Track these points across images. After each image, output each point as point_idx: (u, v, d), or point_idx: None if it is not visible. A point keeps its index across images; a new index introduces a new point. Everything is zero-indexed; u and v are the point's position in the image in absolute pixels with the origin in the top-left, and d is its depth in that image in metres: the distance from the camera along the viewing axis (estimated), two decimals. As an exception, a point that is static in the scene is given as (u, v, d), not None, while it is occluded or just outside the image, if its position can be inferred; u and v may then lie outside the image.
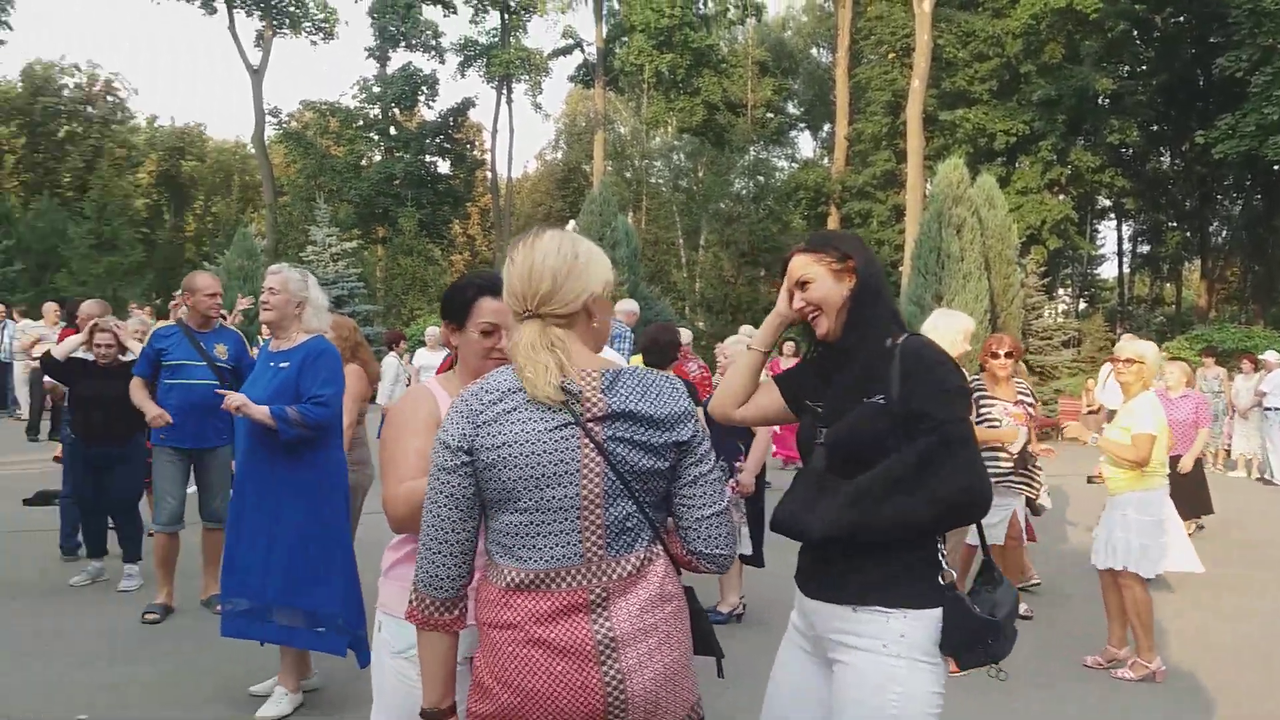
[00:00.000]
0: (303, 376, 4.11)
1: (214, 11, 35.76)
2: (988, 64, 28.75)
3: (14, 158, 41.11)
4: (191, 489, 5.71)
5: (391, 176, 35.80)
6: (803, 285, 2.31)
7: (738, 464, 5.59)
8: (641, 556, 1.84)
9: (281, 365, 4.17)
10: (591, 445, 1.80)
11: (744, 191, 38.01)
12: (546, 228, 1.95)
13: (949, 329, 5.23)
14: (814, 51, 43.21)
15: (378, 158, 38.04)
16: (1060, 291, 32.25)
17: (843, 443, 2.16)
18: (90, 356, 6.18)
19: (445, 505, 1.83)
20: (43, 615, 5.59)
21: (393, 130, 37.83)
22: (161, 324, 5.70)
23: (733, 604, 5.75)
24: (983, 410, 5.64)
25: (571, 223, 26.21)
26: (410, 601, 1.86)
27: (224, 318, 6.65)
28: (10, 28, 39.07)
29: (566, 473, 1.80)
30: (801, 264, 2.32)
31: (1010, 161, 29.67)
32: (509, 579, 1.82)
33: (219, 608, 4.40)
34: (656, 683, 1.80)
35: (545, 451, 1.79)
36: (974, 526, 2.32)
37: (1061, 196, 29.11)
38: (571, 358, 1.85)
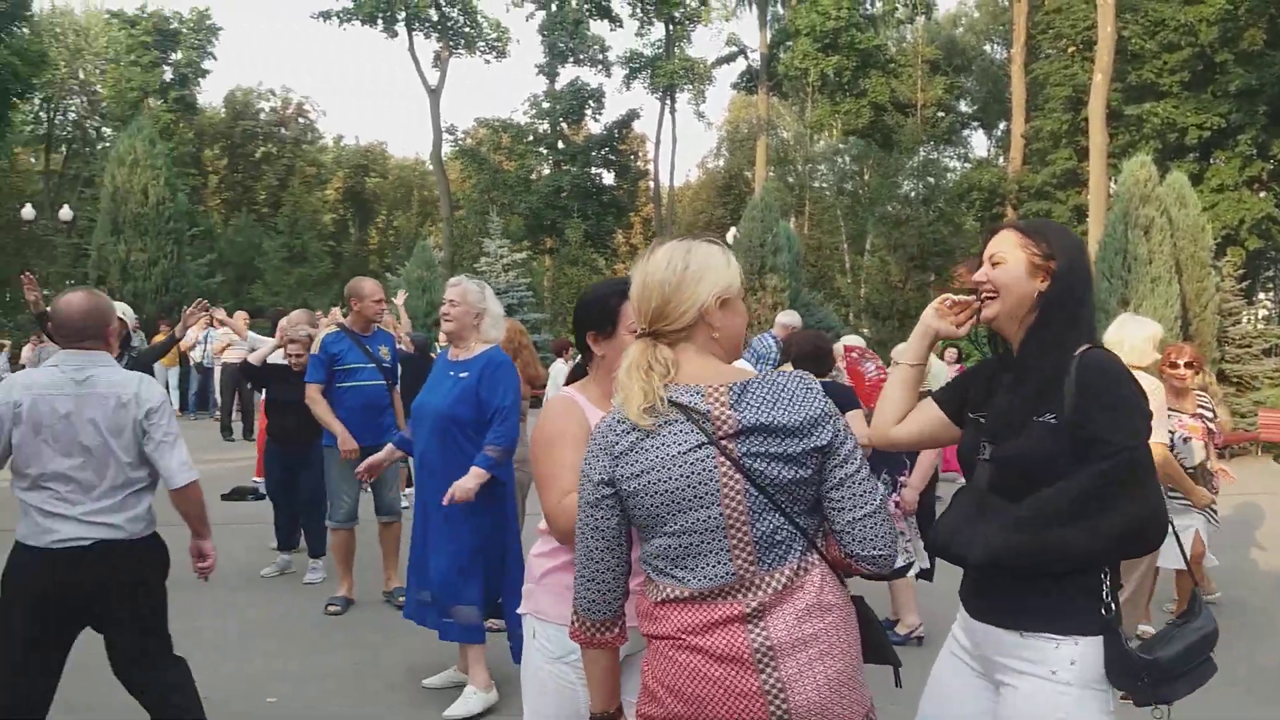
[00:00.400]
0: (482, 387, 4.22)
1: (395, 35, 37.70)
2: (1178, 54, 26.94)
3: (217, 178, 44.57)
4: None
5: (559, 189, 36.72)
6: (994, 263, 2.17)
7: (901, 479, 5.35)
8: (795, 567, 1.80)
9: (461, 375, 4.29)
10: (729, 464, 1.77)
11: (913, 193, 36.93)
12: (664, 241, 1.94)
13: (1136, 336, 4.89)
14: (988, 47, 41.71)
15: (546, 171, 39.12)
16: (1261, 296, 29.82)
17: (1010, 463, 2.06)
18: (286, 362, 6.63)
19: (594, 538, 1.87)
20: (236, 604, 5.97)
21: (560, 144, 38.80)
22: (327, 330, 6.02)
23: (911, 625, 5.36)
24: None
25: (732, 230, 26.16)
26: (573, 623, 1.92)
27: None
28: (215, 58, 42.44)
29: (707, 494, 1.77)
30: (1003, 241, 2.18)
31: (1204, 157, 27.68)
32: (665, 595, 1.83)
33: (401, 599, 4.61)
34: (822, 693, 1.75)
35: (683, 475, 1.77)
36: (1175, 551, 2.17)
37: (1262, 193, 26.94)
38: (682, 375, 1.83)
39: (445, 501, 3.97)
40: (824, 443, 1.80)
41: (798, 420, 1.79)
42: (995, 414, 2.15)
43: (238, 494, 9.24)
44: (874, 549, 1.82)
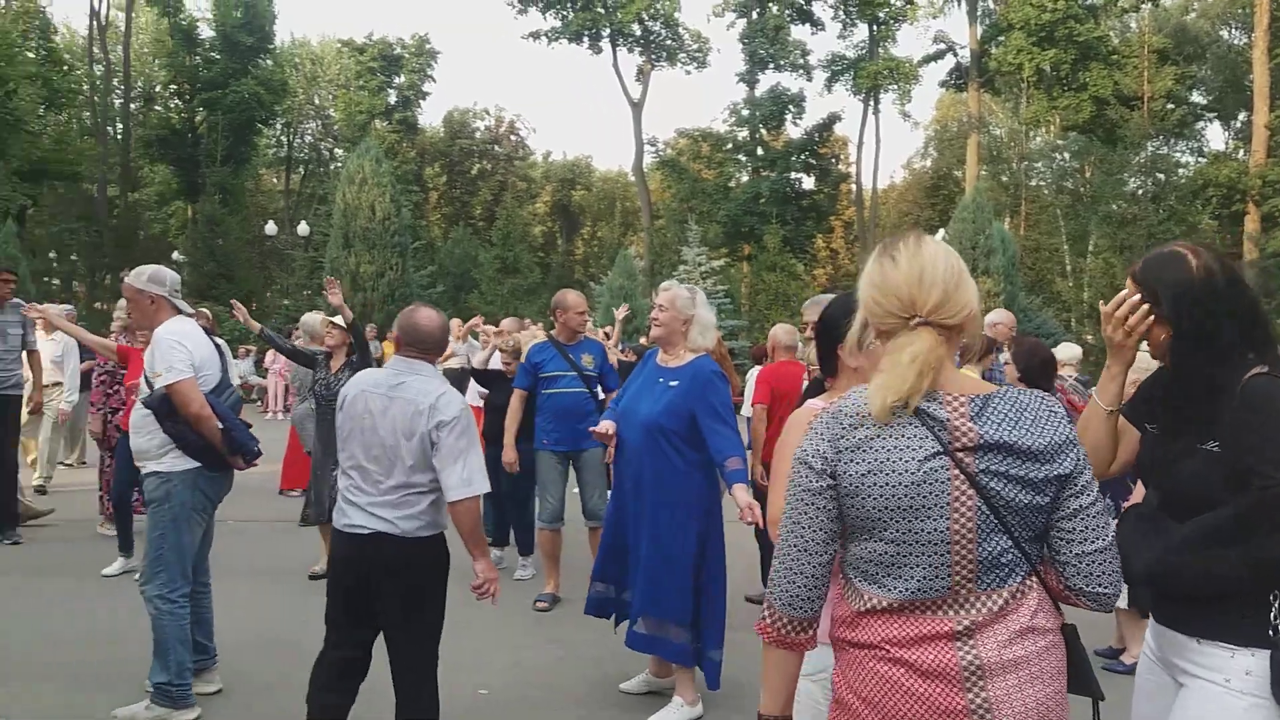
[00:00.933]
0: (692, 399, 4.17)
1: (600, 51, 38.81)
2: None
3: (436, 194, 47.28)
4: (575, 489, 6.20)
5: (758, 195, 36.63)
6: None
7: (1124, 502, 4.96)
8: (1014, 590, 1.72)
9: (671, 384, 4.26)
10: (963, 478, 1.68)
11: (1140, 191, 34.44)
12: (916, 233, 1.85)
13: None
14: (1224, 33, 38.36)
15: (745, 178, 39.11)
16: None
17: (1173, 489, 2.08)
18: (502, 368, 6.99)
19: (806, 527, 1.78)
20: (451, 598, 6.26)
21: (760, 150, 38.70)
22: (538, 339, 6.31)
23: (1136, 655, 5.04)
24: None
25: (941, 231, 25.23)
26: (764, 617, 1.85)
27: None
28: (434, 80, 45.06)
29: (936, 505, 1.69)
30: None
31: None
32: (869, 604, 1.76)
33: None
34: (1029, 717, 1.68)
35: (914, 483, 1.69)
36: None
37: None
38: (941, 379, 1.74)
39: (749, 521, 3.86)
40: (1065, 471, 1.72)
41: (1042, 444, 1.70)
42: (1165, 432, 2.16)
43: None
44: (1100, 586, 1.76)
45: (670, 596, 4.16)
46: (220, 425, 4.04)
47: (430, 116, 50.03)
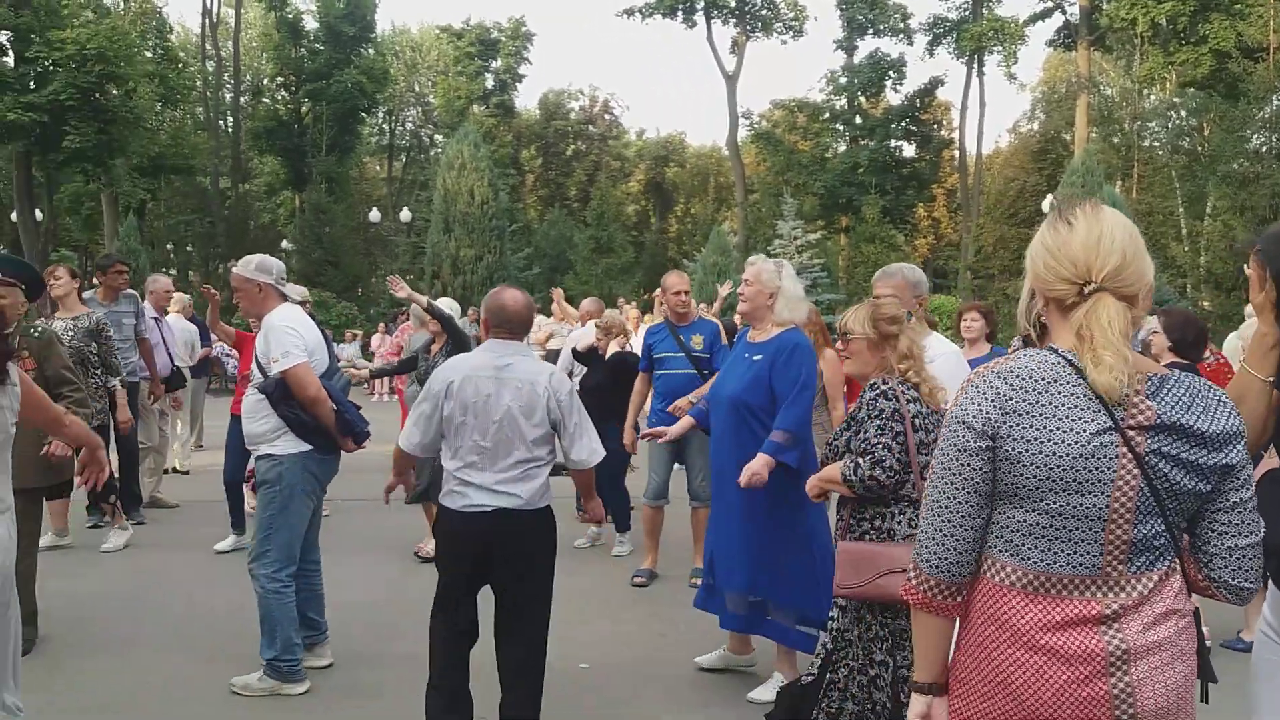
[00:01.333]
0: (774, 372, 4.13)
1: (694, 25, 38.55)
2: None
3: (533, 176, 47.76)
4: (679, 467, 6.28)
5: (856, 165, 35.96)
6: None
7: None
8: (1162, 574, 1.69)
9: (755, 358, 4.23)
10: (1130, 456, 1.64)
11: (1264, 148, 32.59)
12: (1093, 200, 1.79)
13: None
14: (1361, -28, 35.81)
15: (842, 148, 38.42)
16: None
17: None
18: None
19: (960, 488, 1.74)
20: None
21: (858, 119, 37.96)
22: (649, 320, 6.38)
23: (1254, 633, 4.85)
24: None
25: (1049, 197, 24.37)
26: (910, 579, 1.82)
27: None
28: (530, 62, 45.45)
29: (1099, 482, 1.64)
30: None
31: None
32: (1010, 577, 1.72)
33: (694, 580, 4.72)
34: (1168, 699, 1.66)
35: (1080, 455, 1.64)
36: None
37: None
38: None
39: (743, 483, 3.95)
40: (1232, 461, 1.68)
41: (1215, 430, 1.67)
42: None
43: (554, 469, 9.86)
44: (1244, 580, 1.72)
45: (759, 575, 4.14)
46: (333, 408, 4.18)
47: (526, 99, 50.56)
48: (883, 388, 3.21)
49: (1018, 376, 1.70)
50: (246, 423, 4.34)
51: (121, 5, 33.28)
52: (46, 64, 25.76)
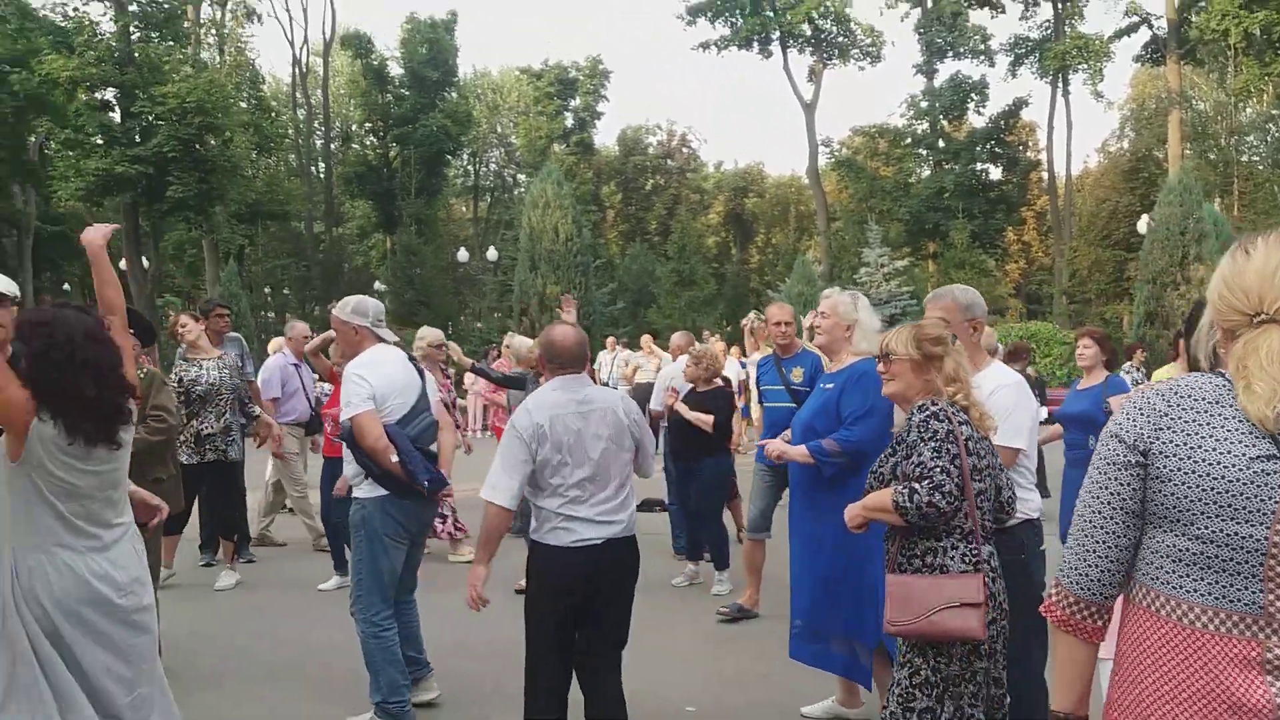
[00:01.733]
0: (842, 398, 4.13)
1: (769, 55, 38.59)
2: None
3: (613, 212, 48.21)
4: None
5: (941, 190, 35.42)
6: None
7: None
8: None
9: (827, 387, 4.28)
10: None
11: (1374, 158, 31.19)
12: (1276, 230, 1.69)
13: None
14: None
15: (926, 173, 37.93)
16: None
17: None
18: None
19: (1107, 503, 1.67)
20: (649, 609, 6.31)
21: (941, 143, 37.45)
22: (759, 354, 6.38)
23: None
24: None
25: (1145, 218, 23.58)
26: (1050, 594, 1.75)
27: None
28: (607, 99, 46.06)
29: (1259, 511, 1.53)
30: None
31: None
32: (1158, 605, 1.63)
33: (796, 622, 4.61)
34: None
35: (1239, 480, 1.54)
36: None
37: None
38: None
39: (765, 453, 4.08)
40: None
41: None
42: None
43: (645, 505, 9.83)
44: None
45: (824, 609, 4.10)
46: (394, 458, 4.11)
47: (605, 136, 51.27)
48: (933, 409, 2.99)
49: (1177, 394, 1.63)
50: (344, 464, 4.45)
51: (217, 59, 34.79)
52: (150, 118, 27.05)
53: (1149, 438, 1.62)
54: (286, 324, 8.78)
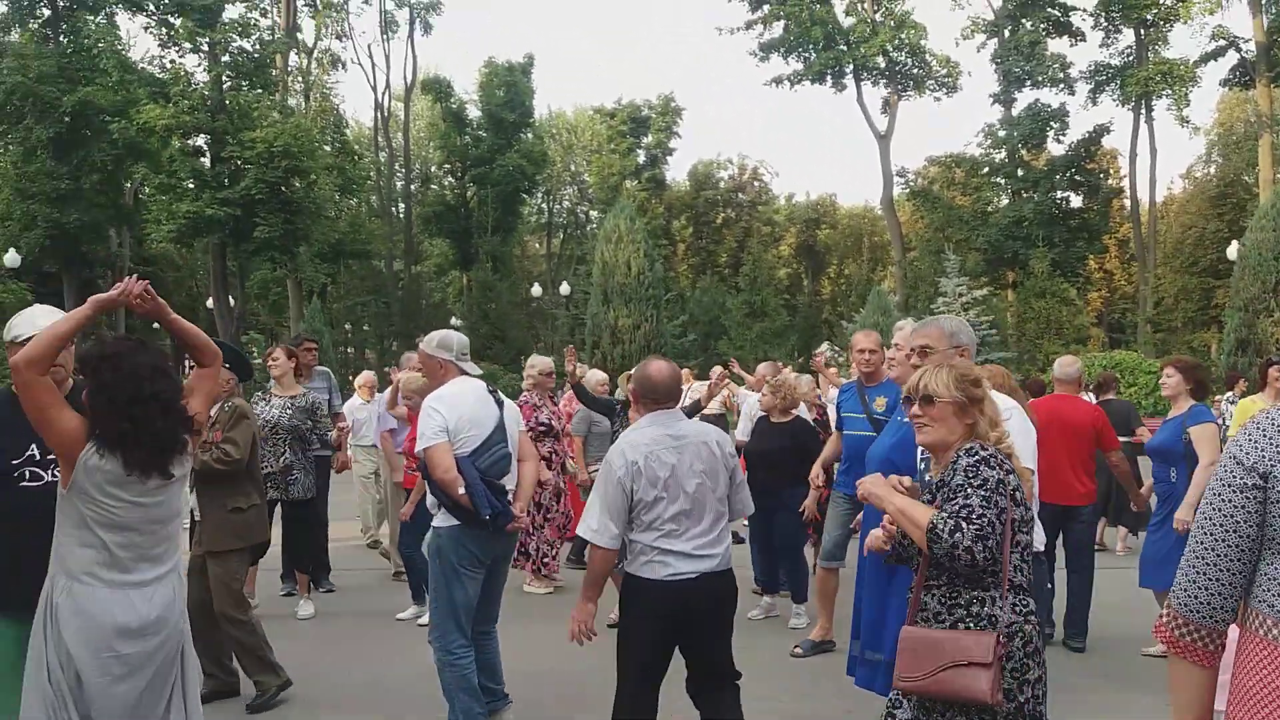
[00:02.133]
0: None
1: (843, 89, 38.50)
2: None
3: (684, 245, 48.41)
4: None
5: (1020, 219, 34.80)
6: None
7: None
8: None
9: (903, 419, 4.20)
10: None
11: None
12: None
13: None
14: None
15: (1005, 202, 37.31)
16: None
17: None
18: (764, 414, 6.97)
19: (1221, 525, 1.64)
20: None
21: (1020, 171, 36.84)
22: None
23: None
24: None
25: (1235, 244, 22.82)
26: (1161, 617, 1.71)
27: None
28: (679, 136, 46.42)
29: None
30: None
31: None
32: (1276, 633, 1.58)
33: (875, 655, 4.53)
34: None
35: None
36: None
37: None
38: None
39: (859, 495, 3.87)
40: None
41: None
42: None
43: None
44: None
45: (886, 637, 4.00)
46: (461, 491, 4.13)
47: (676, 171, 51.67)
48: (983, 454, 2.72)
49: None
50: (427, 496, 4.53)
51: (304, 105, 36.02)
52: (239, 162, 28.11)
53: (1270, 460, 1.58)
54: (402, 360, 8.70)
